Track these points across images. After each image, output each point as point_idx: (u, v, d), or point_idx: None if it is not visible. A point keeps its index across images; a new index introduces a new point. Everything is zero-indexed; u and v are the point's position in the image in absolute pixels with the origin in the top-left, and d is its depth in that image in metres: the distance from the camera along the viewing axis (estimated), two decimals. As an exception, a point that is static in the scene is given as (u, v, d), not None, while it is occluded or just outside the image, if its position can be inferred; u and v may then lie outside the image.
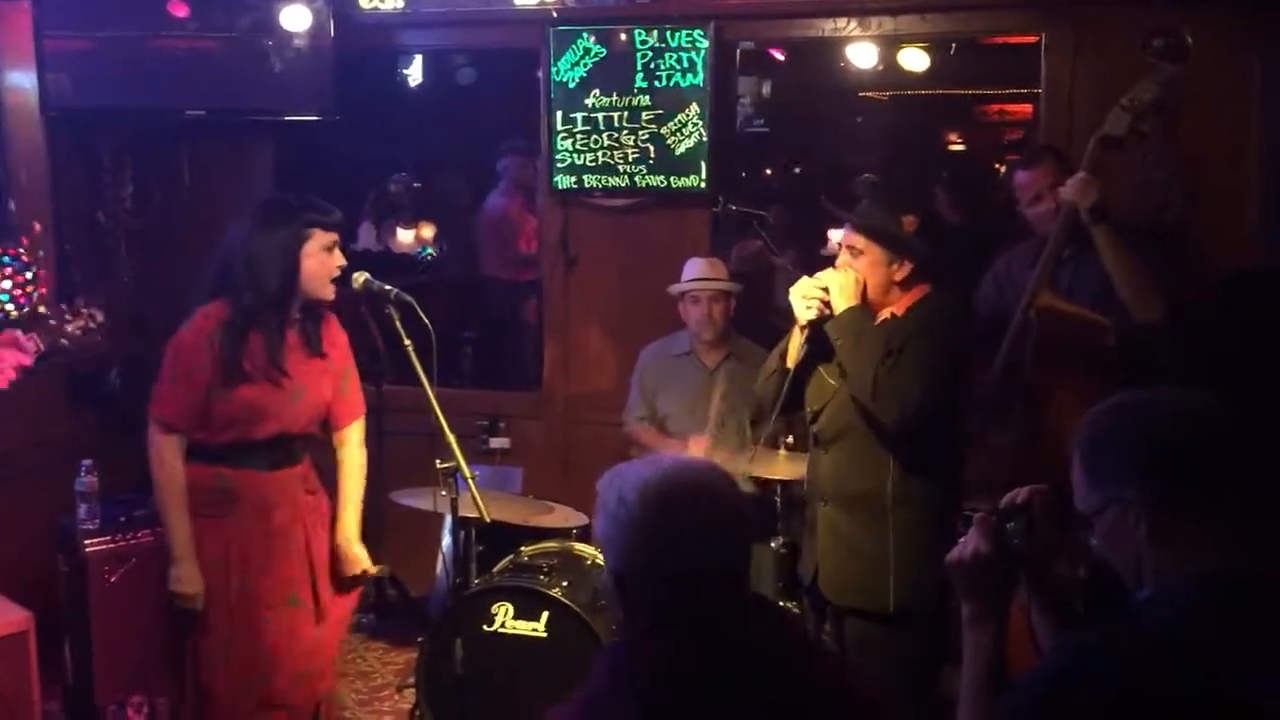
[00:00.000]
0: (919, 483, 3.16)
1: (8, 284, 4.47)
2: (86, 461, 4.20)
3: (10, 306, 4.51)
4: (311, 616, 3.47)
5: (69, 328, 3.22)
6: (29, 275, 4.56)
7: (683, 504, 1.91)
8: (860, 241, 3.19)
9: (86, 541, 4.11)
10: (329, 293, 3.38)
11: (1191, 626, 1.55)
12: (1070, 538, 1.84)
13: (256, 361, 3.31)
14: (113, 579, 4.12)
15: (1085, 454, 1.71)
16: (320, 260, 3.33)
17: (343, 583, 3.60)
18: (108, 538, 4.14)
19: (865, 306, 3.19)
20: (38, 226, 4.77)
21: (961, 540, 1.88)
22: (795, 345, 3.29)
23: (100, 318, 3.28)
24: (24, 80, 4.79)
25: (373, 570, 3.66)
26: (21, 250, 4.56)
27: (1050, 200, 3.80)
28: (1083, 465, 1.71)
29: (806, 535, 3.41)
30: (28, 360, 3.13)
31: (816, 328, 3.21)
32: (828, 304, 3.19)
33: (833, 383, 3.24)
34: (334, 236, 3.37)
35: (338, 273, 3.37)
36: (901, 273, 3.18)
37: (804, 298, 3.21)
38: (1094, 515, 1.70)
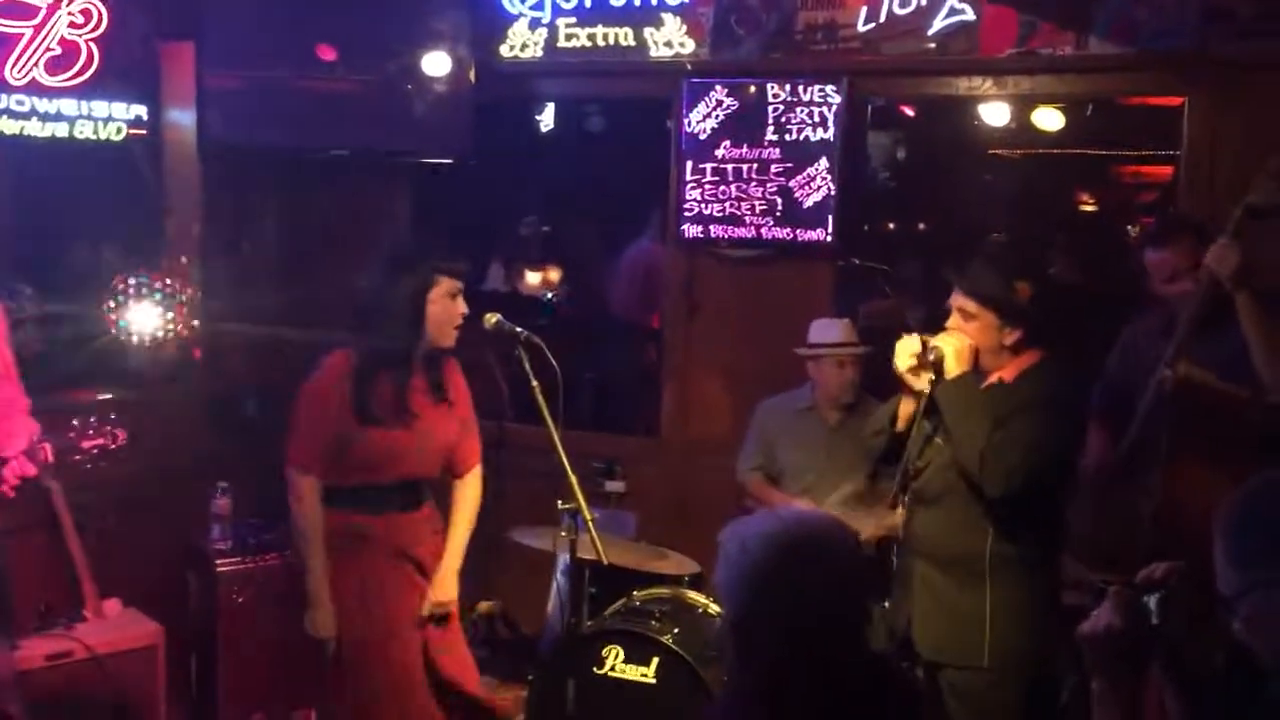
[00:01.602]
0: (1019, 547, 3.17)
1: (158, 313, 4.69)
2: (222, 484, 4.36)
3: (158, 331, 4.73)
4: (424, 653, 3.53)
5: (87, 444, 3.30)
6: (178, 303, 4.78)
7: (802, 557, 1.94)
8: (972, 306, 3.19)
9: (218, 561, 4.27)
10: (451, 339, 3.47)
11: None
12: (1209, 618, 1.79)
13: (386, 405, 3.40)
14: (241, 599, 4.26)
15: (1229, 534, 1.66)
16: (444, 306, 3.42)
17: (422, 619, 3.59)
18: (238, 559, 4.30)
19: (975, 371, 3.19)
20: (184, 259, 5.00)
21: (1094, 613, 1.84)
22: (905, 411, 3.30)
23: (122, 439, 3.32)
24: (183, 117, 5.02)
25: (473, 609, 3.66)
26: (173, 280, 4.78)
27: (1188, 280, 3.69)
28: (1226, 545, 1.66)
29: (897, 587, 3.43)
30: (33, 472, 3.18)
31: (928, 394, 3.22)
32: (936, 369, 3.18)
33: (938, 443, 3.24)
34: (458, 284, 3.46)
35: (460, 320, 3.46)
36: (1012, 338, 3.18)
37: (911, 370, 3.21)
38: (1236, 598, 1.64)
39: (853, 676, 1.89)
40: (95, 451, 3.24)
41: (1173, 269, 3.75)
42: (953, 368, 3.17)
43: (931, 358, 3.19)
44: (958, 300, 3.22)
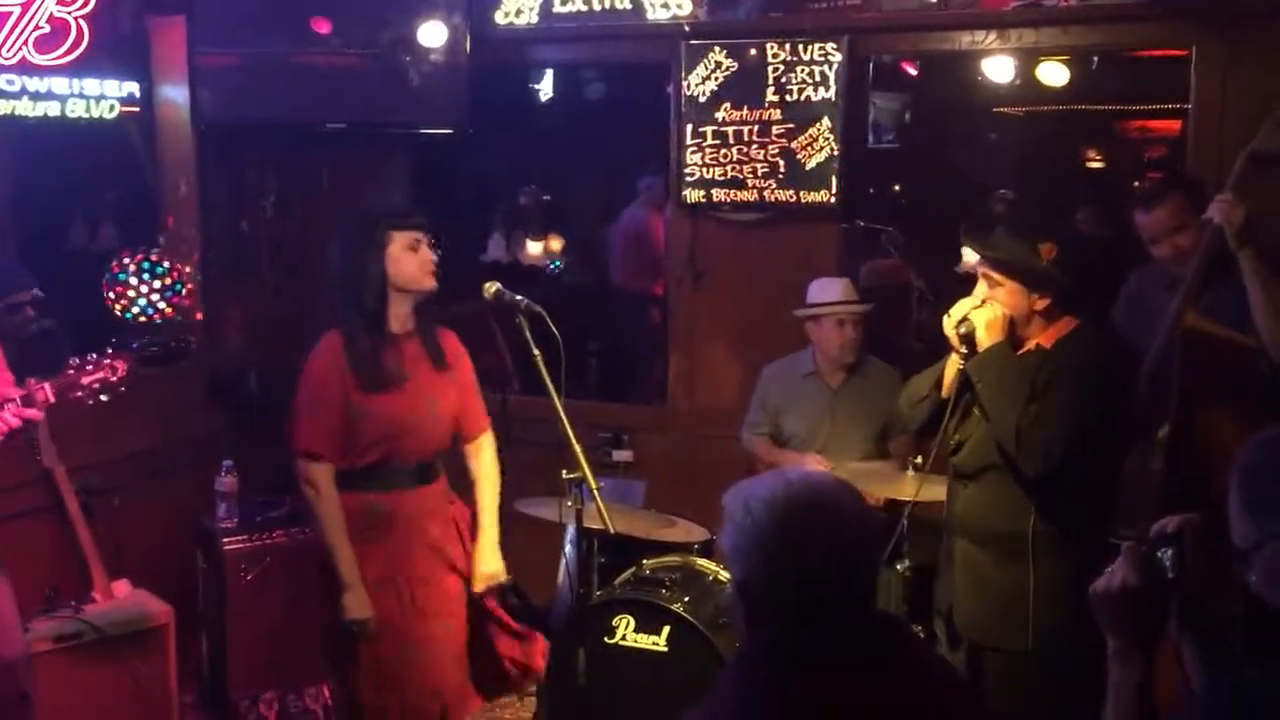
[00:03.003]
0: (1063, 525, 3.06)
1: (157, 292, 4.66)
2: (227, 462, 4.34)
3: (157, 310, 4.70)
4: (462, 631, 3.52)
5: (86, 379, 3.18)
6: (177, 282, 4.75)
7: (808, 518, 1.89)
8: (996, 274, 3.09)
9: (225, 540, 4.25)
10: (429, 283, 3.40)
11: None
12: (1225, 571, 1.75)
13: (387, 372, 3.36)
14: (248, 577, 4.25)
15: (1243, 486, 1.62)
16: (406, 259, 3.37)
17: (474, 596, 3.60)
18: (245, 537, 4.28)
19: (1009, 341, 3.09)
20: (193, 255, 4.96)
21: (1108, 570, 1.80)
22: (950, 375, 3.21)
23: (122, 371, 3.22)
24: (176, 94, 4.99)
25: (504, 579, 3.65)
26: (171, 258, 4.75)
27: (1167, 245, 3.63)
28: (1240, 498, 1.62)
29: (944, 565, 3.34)
30: (37, 416, 3.10)
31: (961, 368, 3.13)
32: (969, 342, 3.09)
33: (977, 415, 3.14)
34: (415, 235, 3.40)
35: (432, 266, 3.41)
36: (1042, 303, 3.08)
37: (956, 330, 3.13)
38: (1252, 550, 1.61)
39: (861, 639, 1.86)
40: (96, 386, 3.15)
41: (1154, 232, 3.68)
42: (984, 339, 3.07)
43: (963, 330, 3.10)
44: (982, 268, 3.12)
